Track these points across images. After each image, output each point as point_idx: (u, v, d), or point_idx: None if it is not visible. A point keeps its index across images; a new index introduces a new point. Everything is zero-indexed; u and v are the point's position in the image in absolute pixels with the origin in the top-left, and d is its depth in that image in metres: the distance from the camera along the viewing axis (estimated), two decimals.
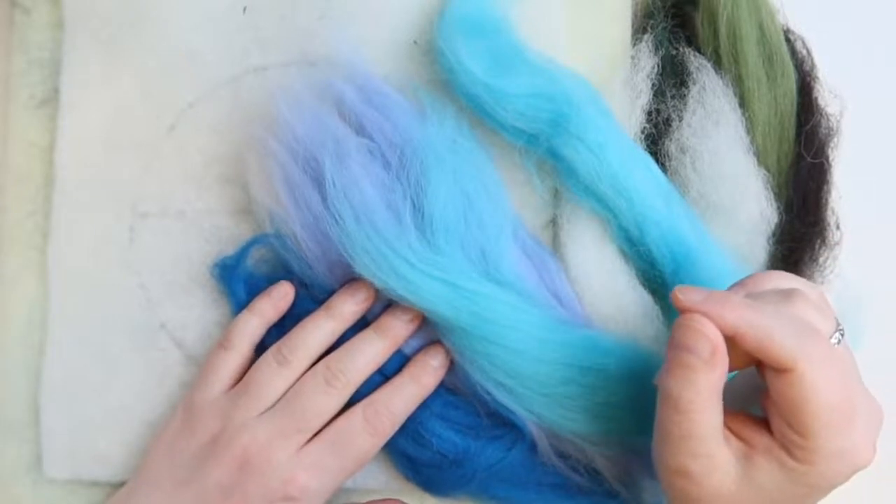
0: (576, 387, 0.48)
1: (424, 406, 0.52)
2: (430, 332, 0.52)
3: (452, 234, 0.50)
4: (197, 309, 0.55)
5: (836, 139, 0.55)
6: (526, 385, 0.48)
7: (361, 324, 0.52)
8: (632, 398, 0.49)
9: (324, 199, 0.49)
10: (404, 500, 0.54)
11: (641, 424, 0.50)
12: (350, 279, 0.51)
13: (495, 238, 0.51)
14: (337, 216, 0.49)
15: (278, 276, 0.53)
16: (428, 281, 0.48)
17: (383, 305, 0.52)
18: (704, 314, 0.40)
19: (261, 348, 0.52)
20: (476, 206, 0.51)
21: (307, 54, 0.55)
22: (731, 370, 0.41)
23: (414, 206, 0.49)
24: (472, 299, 0.48)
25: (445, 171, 0.50)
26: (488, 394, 0.49)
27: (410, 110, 0.52)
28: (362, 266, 0.48)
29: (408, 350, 0.52)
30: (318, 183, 0.50)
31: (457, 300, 0.48)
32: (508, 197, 0.53)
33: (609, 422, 0.49)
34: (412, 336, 0.52)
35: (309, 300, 0.53)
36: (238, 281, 0.53)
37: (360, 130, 0.51)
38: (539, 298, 0.51)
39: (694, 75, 0.54)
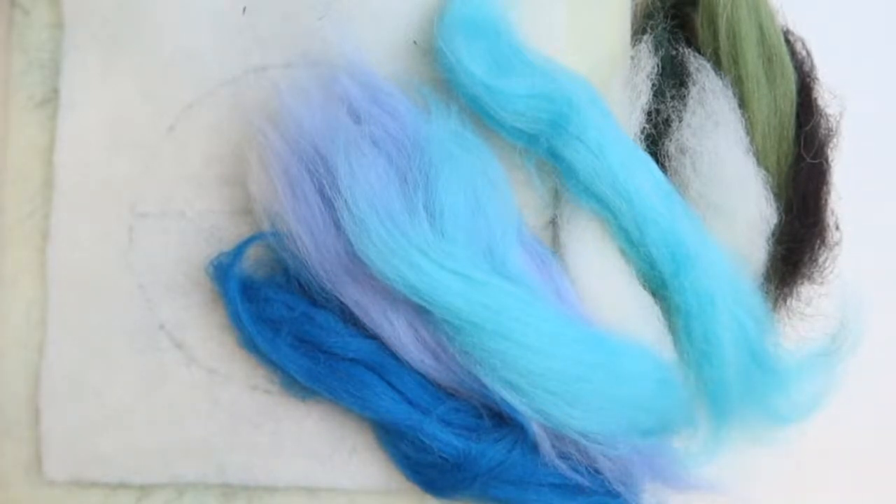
0: (584, 384, 0.49)
1: (425, 411, 0.52)
2: (434, 325, 0.51)
3: (461, 228, 0.50)
4: (196, 309, 0.55)
5: (835, 140, 0.56)
6: (535, 383, 0.48)
7: (352, 319, 0.52)
8: (639, 397, 0.49)
9: (324, 195, 0.49)
10: (405, 501, 0.54)
11: (647, 424, 0.50)
12: (346, 276, 0.51)
13: (501, 234, 0.51)
14: (350, 202, 0.48)
15: (275, 278, 0.53)
16: (442, 272, 0.48)
17: (382, 304, 0.52)
18: None
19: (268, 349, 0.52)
20: (483, 202, 0.51)
21: (308, 54, 0.55)
22: None
23: (425, 198, 0.49)
24: (485, 292, 0.48)
25: (454, 166, 0.50)
26: (495, 393, 0.49)
27: (415, 108, 0.52)
28: (374, 255, 0.48)
29: (417, 340, 0.52)
30: (318, 177, 0.50)
31: (470, 293, 0.48)
32: (513, 194, 0.53)
33: (615, 421, 0.49)
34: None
35: (305, 300, 0.53)
36: (232, 280, 0.53)
37: (366, 127, 0.51)
38: (545, 296, 0.51)
39: (694, 76, 0.54)
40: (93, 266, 0.55)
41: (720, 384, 0.51)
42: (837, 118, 0.56)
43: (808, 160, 0.55)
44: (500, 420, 0.52)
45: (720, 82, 0.54)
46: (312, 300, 0.53)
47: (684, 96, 0.55)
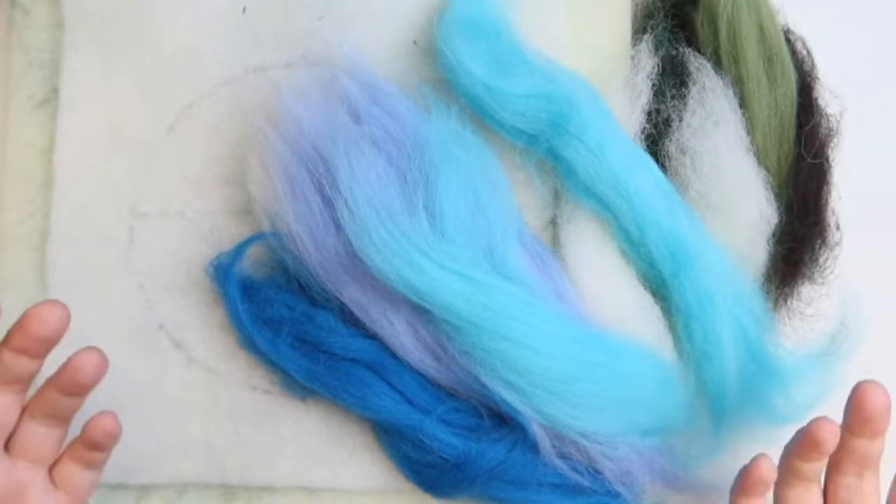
0: (585, 384, 0.49)
1: (425, 411, 0.52)
2: (434, 325, 0.51)
3: (461, 228, 0.50)
4: (196, 309, 0.55)
5: (836, 139, 0.56)
6: (535, 383, 0.48)
7: (352, 319, 0.52)
8: (639, 398, 0.49)
9: (324, 195, 0.49)
10: (405, 501, 0.54)
11: (647, 424, 0.50)
12: (346, 276, 0.51)
13: (501, 234, 0.51)
14: (350, 202, 0.48)
15: (275, 278, 0.53)
16: (442, 272, 0.48)
17: (382, 304, 0.52)
18: None
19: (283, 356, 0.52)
20: (483, 202, 0.51)
21: (307, 54, 0.55)
22: None
23: (425, 198, 0.49)
24: (485, 292, 0.48)
25: (454, 166, 0.50)
26: (495, 393, 0.49)
27: (415, 108, 0.52)
28: (374, 255, 0.48)
29: (417, 340, 0.52)
30: (318, 177, 0.50)
31: (470, 293, 0.48)
32: (513, 194, 0.53)
33: (615, 421, 0.49)
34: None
35: (305, 300, 0.53)
36: (232, 280, 0.53)
37: (366, 127, 0.51)
38: (545, 296, 0.51)
39: (694, 75, 0.54)
40: (93, 266, 0.55)
41: (720, 384, 0.51)
42: (838, 118, 0.56)
43: (809, 160, 0.55)
44: (500, 420, 0.52)
45: (720, 82, 0.54)
46: (312, 300, 0.53)
47: (684, 96, 0.55)
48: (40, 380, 0.46)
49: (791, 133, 0.55)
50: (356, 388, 0.51)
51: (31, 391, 0.46)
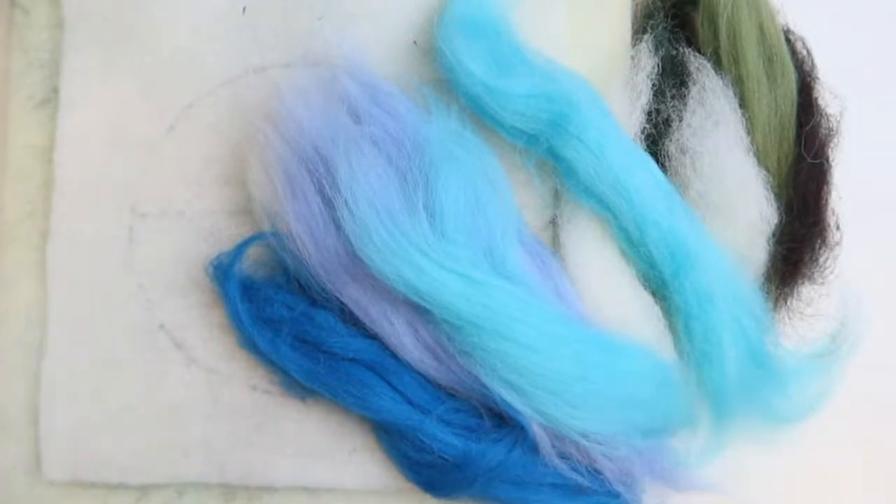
0: (585, 384, 0.49)
1: (425, 411, 0.52)
2: (434, 325, 0.51)
3: (461, 228, 0.50)
4: (196, 309, 0.55)
5: (836, 139, 0.56)
6: (535, 383, 0.48)
7: (352, 319, 0.52)
8: (639, 398, 0.49)
9: (324, 195, 0.49)
10: (405, 501, 0.54)
11: (647, 424, 0.50)
12: (346, 276, 0.51)
13: (501, 234, 0.51)
14: (350, 202, 0.48)
15: (275, 278, 0.53)
16: (442, 272, 0.48)
17: (382, 304, 0.52)
18: None
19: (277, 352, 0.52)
20: (483, 202, 0.51)
21: (307, 54, 0.55)
22: None
23: (425, 198, 0.49)
24: (485, 292, 0.48)
25: (454, 166, 0.50)
26: (495, 393, 0.49)
27: (415, 108, 0.52)
28: (374, 255, 0.48)
29: (417, 340, 0.52)
30: (318, 177, 0.50)
31: (470, 293, 0.48)
32: (513, 194, 0.53)
33: (615, 421, 0.49)
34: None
35: (305, 300, 0.53)
36: (232, 280, 0.53)
37: (366, 127, 0.51)
38: (545, 296, 0.51)
39: (694, 75, 0.55)
40: (93, 266, 0.55)
41: (720, 384, 0.51)
42: (838, 118, 0.56)
43: (809, 160, 0.55)
44: (500, 420, 0.52)
45: (720, 82, 0.54)
46: (312, 300, 0.53)
47: (684, 96, 0.55)
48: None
49: (791, 133, 0.55)
50: (356, 388, 0.52)
51: None
